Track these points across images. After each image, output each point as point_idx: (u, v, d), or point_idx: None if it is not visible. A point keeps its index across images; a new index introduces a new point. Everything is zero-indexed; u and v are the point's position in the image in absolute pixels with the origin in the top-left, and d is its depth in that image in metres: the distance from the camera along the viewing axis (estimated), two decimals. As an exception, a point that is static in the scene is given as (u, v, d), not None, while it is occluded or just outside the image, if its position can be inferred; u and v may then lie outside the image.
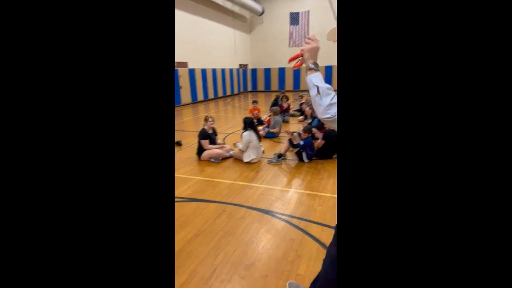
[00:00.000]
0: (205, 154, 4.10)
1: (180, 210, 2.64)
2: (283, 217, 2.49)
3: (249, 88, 17.81)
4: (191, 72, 11.81)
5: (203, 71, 12.66)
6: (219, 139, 4.61)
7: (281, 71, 16.92)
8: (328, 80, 10.77)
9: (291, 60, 1.07)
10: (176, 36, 10.46)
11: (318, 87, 0.92)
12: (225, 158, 4.18)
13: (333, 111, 0.88)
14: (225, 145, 4.37)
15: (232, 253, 1.99)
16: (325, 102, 0.90)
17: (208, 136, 4.15)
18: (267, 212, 2.58)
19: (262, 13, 16.30)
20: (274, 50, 16.75)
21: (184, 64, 11.31)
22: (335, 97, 0.89)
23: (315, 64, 0.99)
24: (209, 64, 13.07)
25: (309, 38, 1.02)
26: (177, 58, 10.82)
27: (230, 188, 3.14)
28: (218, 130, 4.74)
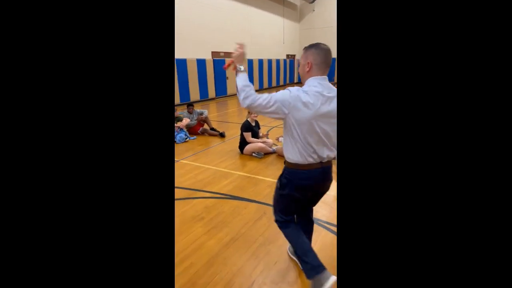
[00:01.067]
0: (247, 148, 3.92)
1: (219, 208, 2.50)
2: (332, 227, 2.18)
3: (296, 80, 17.26)
4: (238, 62, 11.74)
5: (250, 62, 12.52)
6: (262, 132, 4.39)
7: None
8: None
9: (226, 67, 1.42)
10: (224, 26, 10.47)
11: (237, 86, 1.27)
12: (268, 153, 3.96)
13: (246, 102, 1.23)
14: (267, 140, 4.13)
15: (273, 265, 1.77)
16: (240, 98, 1.25)
17: (250, 128, 3.96)
18: (312, 219, 2.30)
19: (314, 0, 15.46)
20: (325, 39, 15.78)
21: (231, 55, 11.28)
22: (249, 93, 1.23)
23: (243, 67, 1.31)
24: (255, 55, 12.89)
25: (238, 47, 1.33)
26: (225, 48, 10.83)
27: (272, 187, 2.91)
28: (261, 123, 4.53)
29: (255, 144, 3.91)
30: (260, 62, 13.26)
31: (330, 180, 1.42)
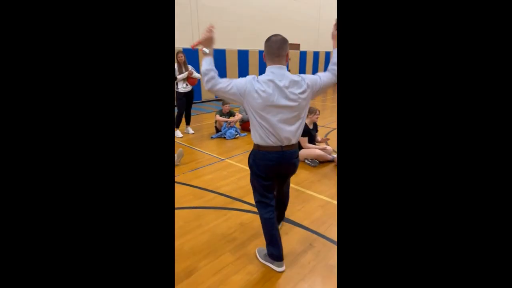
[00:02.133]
0: (301, 153, 3.39)
1: (256, 227, 2.08)
2: None
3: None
4: (303, 54, 11.05)
5: (315, 54, 11.68)
6: (320, 135, 3.79)
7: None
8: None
9: (193, 46, 1.49)
10: (288, 17, 9.86)
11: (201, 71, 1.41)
12: (324, 162, 3.37)
13: (209, 85, 1.37)
14: (327, 146, 3.51)
15: (313, 334, 1.27)
16: (203, 80, 1.39)
17: (308, 131, 3.40)
18: (376, 267, 1.69)
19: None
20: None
21: (296, 46, 10.67)
22: (211, 76, 1.37)
23: (208, 50, 1.41)
24: (322, 47, 11.96)
25: (207, 30, 1.39)
26: (292, 40, 10.25)
27: (325, 209, 2.36)
28: (320, 123, 3.92)
29: (312, 151, 3.35)
30: (327, 54, 12.26)
31: (292, 164, 1.53)
